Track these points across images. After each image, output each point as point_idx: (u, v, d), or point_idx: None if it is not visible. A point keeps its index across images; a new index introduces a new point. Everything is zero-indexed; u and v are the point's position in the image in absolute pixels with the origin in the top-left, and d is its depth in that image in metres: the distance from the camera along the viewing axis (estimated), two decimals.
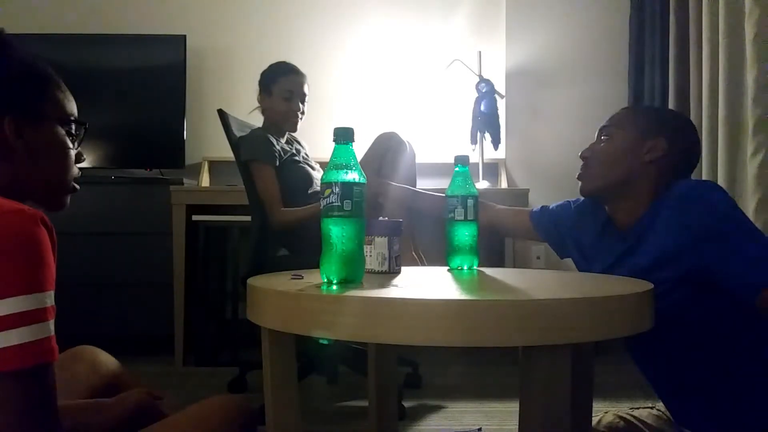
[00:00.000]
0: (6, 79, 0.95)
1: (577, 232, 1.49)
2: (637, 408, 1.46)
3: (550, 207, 1.58)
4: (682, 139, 1.34)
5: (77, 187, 1.05)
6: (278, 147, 2.35)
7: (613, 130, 1.37)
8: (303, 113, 2.47)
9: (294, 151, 2.44)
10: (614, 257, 1.34)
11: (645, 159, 1.32)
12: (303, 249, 2.29)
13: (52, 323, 0.81)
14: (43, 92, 0.99)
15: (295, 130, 2.48)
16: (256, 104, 2.51)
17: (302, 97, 2.45)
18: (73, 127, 1.03)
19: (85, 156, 1.08)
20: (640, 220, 1.31)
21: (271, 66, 2.50)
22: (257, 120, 2.52)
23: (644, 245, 1.27)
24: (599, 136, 1.40)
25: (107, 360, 1.24)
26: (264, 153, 2.28)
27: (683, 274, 1.19)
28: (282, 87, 2.43)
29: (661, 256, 1.22)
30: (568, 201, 1.56)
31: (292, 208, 2.25)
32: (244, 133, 2.40)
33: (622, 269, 1.28)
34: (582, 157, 1.40)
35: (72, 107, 1.04)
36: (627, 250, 1.31)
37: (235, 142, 2.35)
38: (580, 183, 1.40)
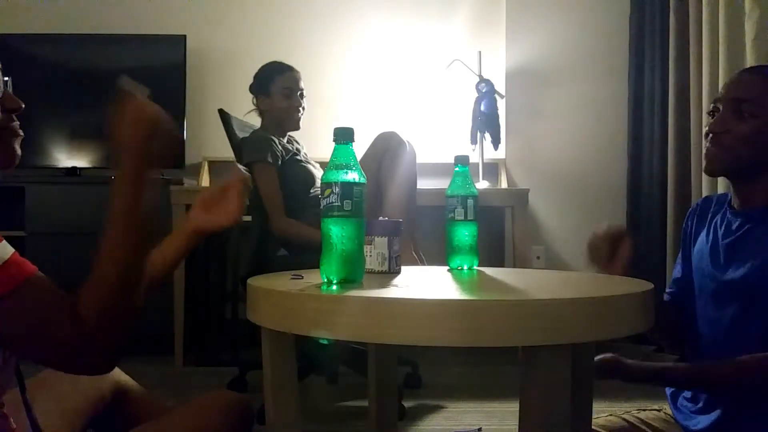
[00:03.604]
0: None
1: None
2: (644, 410, 1.44)
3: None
4: None
5: (19, 132, 0.96)
6: (280, 147, 2.36)
7: (754, 108, 1.19)
8: (303, 108, 2.48)
9: (295, 150, 2.44)
10: (719, 234, 1.25)
11: None
12: (303, 249, 2.29)
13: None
14: None
15: (298, 127, 2.48)
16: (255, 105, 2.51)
17: (301, 92, 2.46)
18: None
19: (19, 104, 0.95)
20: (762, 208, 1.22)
21: (263, 68, 2.50)
22: (257, 119, 2.52)
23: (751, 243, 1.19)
24: (732, 108, 1.22)
25: None
26: (267, 155, 2.28)
27: None
28: (280, 85, 2.43)
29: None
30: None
31: (293, 221, 2.26)
32: (245, 134, 2.40)
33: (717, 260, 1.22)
34: (713, 132, 1.23)
35: None
36: (734, 236, 1.23)
37: (236, 144, 2.35)
38: (705, 161, 1.26)
